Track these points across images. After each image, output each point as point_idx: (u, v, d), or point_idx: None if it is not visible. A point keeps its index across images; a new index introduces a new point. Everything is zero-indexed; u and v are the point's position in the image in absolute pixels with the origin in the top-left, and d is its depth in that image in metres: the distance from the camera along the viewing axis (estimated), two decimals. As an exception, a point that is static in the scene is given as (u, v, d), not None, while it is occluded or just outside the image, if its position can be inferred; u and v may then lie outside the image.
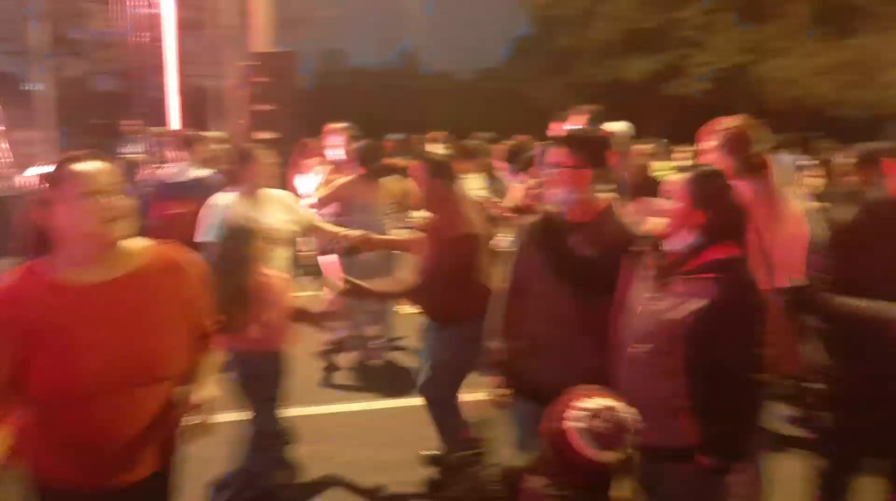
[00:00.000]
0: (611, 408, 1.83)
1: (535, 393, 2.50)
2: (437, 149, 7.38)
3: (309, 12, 17.92)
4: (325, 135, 6.44)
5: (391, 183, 5.68)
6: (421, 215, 3.85)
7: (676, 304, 2.15)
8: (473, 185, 5.51)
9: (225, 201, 4.09)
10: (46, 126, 12.02)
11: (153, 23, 11.69)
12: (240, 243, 3.14)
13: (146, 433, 1.98)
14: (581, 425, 1.81)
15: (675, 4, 23.89)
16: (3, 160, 10.12)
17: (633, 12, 24.18)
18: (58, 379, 1.84)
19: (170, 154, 6.25)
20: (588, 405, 1.84)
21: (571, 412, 1.84)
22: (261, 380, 3.26)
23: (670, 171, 6.00)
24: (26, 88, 13.81)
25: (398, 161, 7.20)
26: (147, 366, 1.95)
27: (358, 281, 3.45)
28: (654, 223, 2.36)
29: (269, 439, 3.34)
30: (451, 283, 3.43)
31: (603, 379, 2.16)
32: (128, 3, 11.75)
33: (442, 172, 3.59)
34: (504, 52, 34.59)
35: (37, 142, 11.25)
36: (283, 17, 12.75)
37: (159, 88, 11.34)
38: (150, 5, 11.79)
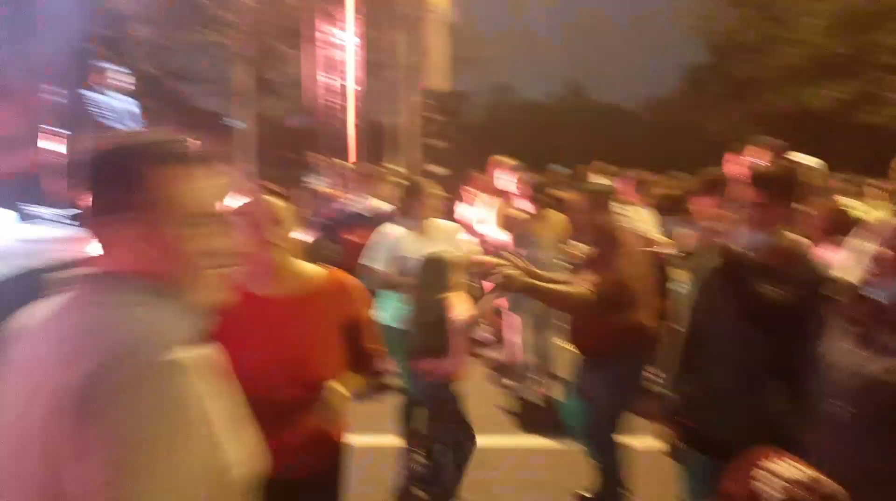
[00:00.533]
0: (815, 479, 1.65)
1: (711, 446, 2.38)
2: (602, 181, 7.30)
3: (480, 50, 18.50)
4: (491, 168, 6.60)
5: (557, 217, 5.69)
6: (579, 247, 3.81)
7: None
8: (641, 219, 5.37)
9: (393, 230, 4.31)
10: (245, 159, 13.36)
11: (339, 65, 12.66)
12: (437, 275, 3.25)
13: (308, 432, 2.22)
14: (778, 492, 1.64)
15: (869, 28, 21.96)
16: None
17: (820, 38, 22.53)
18: (233, 371, 2.14)
19: (352, 186, 6.72)
20: (786, 471, 1.67)
21: (764, 475, 1.68)
22: (448, 406, 3.37)
23: (865, 209, 5.49)
24: (227, 124, 15.46)
25: (564, 194, 7.21)
26: (305, 372, 2.21)
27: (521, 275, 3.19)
28: (852, 267, 2.18)
29: (446, 465, 3.40)
30: (605, 315, 3.35)
31: (790, 437, 1.99)
32: (317, 48, 12.82)
33: (602, 204, 3.54)
34: (675, 81, 33.53)
35: (236, 173, 12.49)
36: (456, 56, 13.29)
37: (343, 124, 12.24)
38: (334, 47, 12.78)
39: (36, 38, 8.65)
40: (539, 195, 5.61)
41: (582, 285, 3.27)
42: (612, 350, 3.46)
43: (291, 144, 14.01)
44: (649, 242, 4.88)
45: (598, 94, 37.18)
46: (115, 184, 1.15)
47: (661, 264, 4.50)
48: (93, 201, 1.15)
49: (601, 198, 3.57)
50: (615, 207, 3.61)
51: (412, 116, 11.67)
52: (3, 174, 6.51)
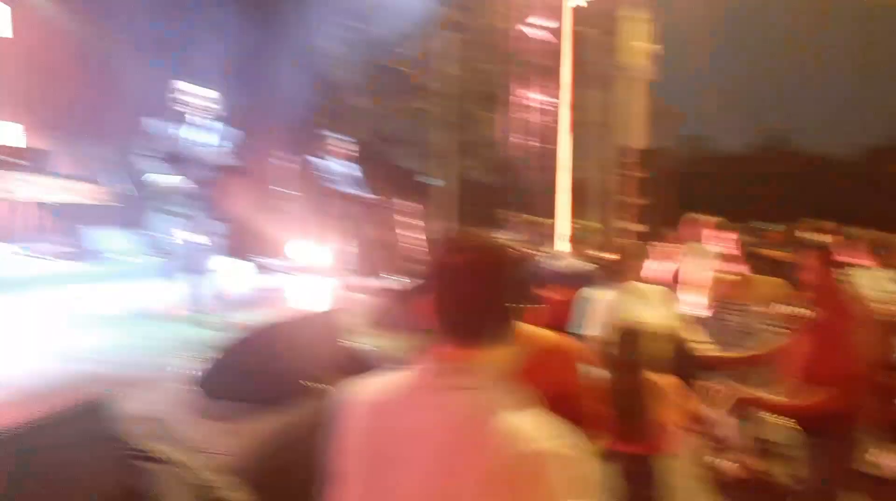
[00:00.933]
0: None
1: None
2: (824, 239, 6.72)
3: (677, 103, 18.10)
4: (685, 225, 6.33)
5: (769, 280, 5.33)
6: (797, 312, 3.56)
7: None
8: (872, 283, 4.89)
9: (598, 295, 4.26)
10: (446, 217, 14.07)
11: (533, 126, 13.05)
12: (631, 345, 3.18)
13: None
14: None
15: None
16: (415, 246, 12.02)
17: None
18: None
19: (549, 243, 6.83)
20: None
21: None
22: (645, 484, 3.26)
23: None
24: (423, 181, 16.43)
25: (777, 254, 6.75)
26: None
27: (751, 393, 3.26)
28: None
29: None
30: (827, 384, 3.09)
31: None
32: (512, 110, 13.34)
33: (827, 265, 3.31)
34: (900, 127, 30.30)
35: (435, 230, 13.16)
36: (651, 110, 13.12)
37: (538, 183, 12.52)
38: (528, 109, 13.19)
39: (267, 109, 9.88)
40: (749, 256, 5.31)
41: (809, 393, 3.10)
42: (835, 427, 3.18)
43: (487, 202, 14.53)
44: (881, 309, 4.42)
45: (805, 143, 34.46)
46: (508, 292, 1.38)
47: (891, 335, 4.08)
48: (480, 306, 1.37)
49: (826, 257, 3.35)
50: (841, 268, 3.36)
51: (607, 172, 11.65)
52: (243, 232, 7.43)
